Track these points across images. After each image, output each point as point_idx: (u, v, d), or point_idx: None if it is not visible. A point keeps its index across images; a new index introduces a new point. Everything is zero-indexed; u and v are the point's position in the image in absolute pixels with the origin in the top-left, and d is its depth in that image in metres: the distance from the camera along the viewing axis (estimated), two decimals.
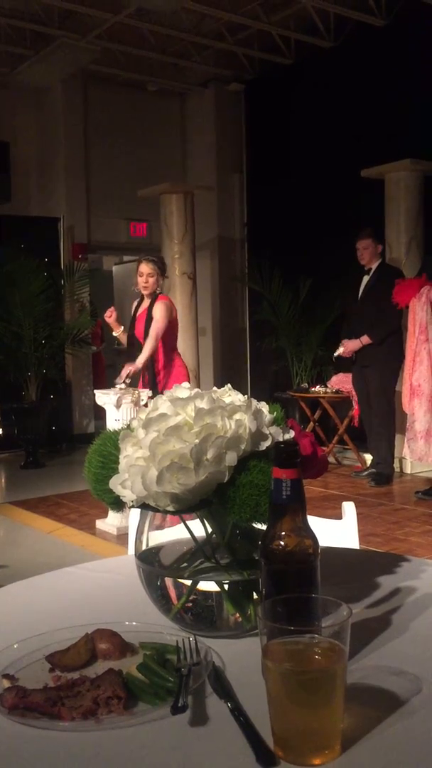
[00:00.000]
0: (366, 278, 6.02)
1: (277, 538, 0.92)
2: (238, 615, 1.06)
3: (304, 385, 7.37)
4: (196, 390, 1.07)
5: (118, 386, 4.93)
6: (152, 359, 5.17)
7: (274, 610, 0.86)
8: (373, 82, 7.23)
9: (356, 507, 1.64)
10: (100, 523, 4.96)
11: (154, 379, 5.20)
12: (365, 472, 6.25)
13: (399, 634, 1.06)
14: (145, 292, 5.21)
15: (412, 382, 5.37)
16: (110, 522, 4.85)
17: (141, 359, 5.06)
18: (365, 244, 5.94)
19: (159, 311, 5.14)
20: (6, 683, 0.93)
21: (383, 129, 7.07)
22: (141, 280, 5.19)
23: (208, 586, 1.06)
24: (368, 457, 6.39)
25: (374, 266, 5.98)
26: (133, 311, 5.39)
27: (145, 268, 5.18)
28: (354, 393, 6.28)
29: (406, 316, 5.54)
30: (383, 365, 5.86)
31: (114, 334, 5.43)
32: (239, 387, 1.11)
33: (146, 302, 5.26)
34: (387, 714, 0.84)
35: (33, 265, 7.39)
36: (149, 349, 5.07)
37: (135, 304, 5.40)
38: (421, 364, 5.34)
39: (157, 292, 5.24)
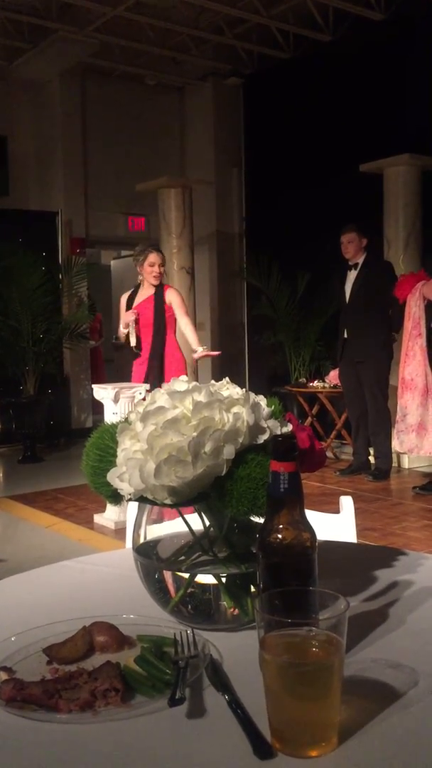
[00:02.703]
0: (351, 273, 5.94)
1: (274, 531, 0.92)
2: (235, 608, 1.06)
3: (302, 379, 7.37)
4: (194, 383, 1.07)
5: (197, 353, 5.19)
6: (162, 347, 5.22)
7: (271, 603, 0.86)
8: (372, 76, 7.22)
9: (354, 502, 1.65)
10: (98, 518, 4.96)
11: (162, 368, 5.24)
12: (349, 471, 6.19)
13: (396, 627, 1.07)
14: (155, 282, 5.23)
15: (405, 376, 5.42)
16: (108, 516, 4.85)
17: (194, 340, 5.26)
18: (350, 238, 5.87)
19: (176, 297, 5.32)
20: (3, 676, 0.93)
21: (382, 123, 7.07)
22: (153, 270, 5.20)
23: (205, 579, 1.07)
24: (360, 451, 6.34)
25: (360, 260, 5.91)
26: (126, 303, 5.34)
27: (156, 258, 5.24)
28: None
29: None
30: (377, 360, 5.82)
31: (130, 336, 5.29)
32: (237, 382, 1.11)
33: (147, 291, 5.25)
34: (384, 706, 0.84)
35: (31, 259, 7.37)
36: (193, 331, 5.32)
37: (127, 296, 5.36)
38: (413, 359, 5.38)
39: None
